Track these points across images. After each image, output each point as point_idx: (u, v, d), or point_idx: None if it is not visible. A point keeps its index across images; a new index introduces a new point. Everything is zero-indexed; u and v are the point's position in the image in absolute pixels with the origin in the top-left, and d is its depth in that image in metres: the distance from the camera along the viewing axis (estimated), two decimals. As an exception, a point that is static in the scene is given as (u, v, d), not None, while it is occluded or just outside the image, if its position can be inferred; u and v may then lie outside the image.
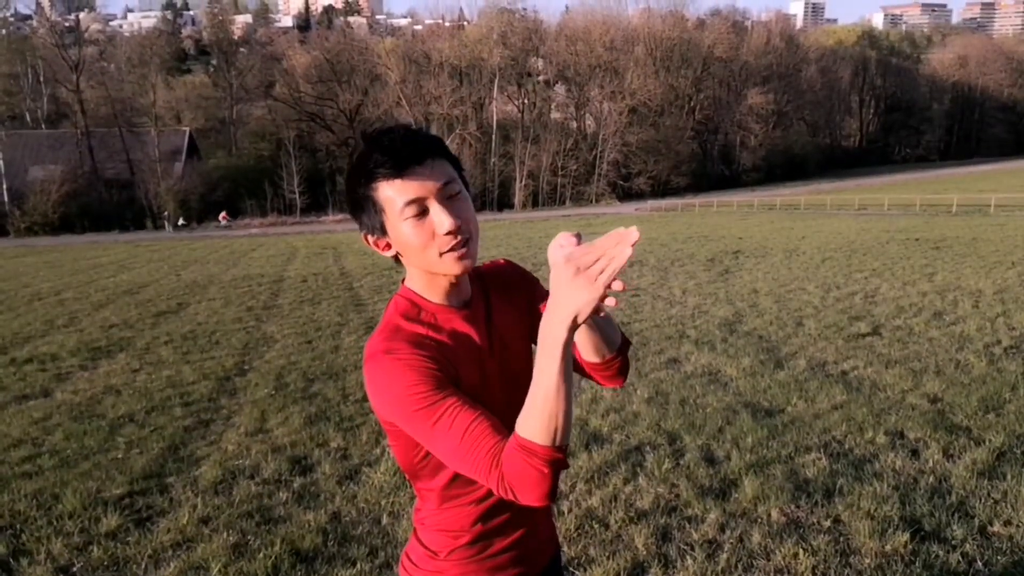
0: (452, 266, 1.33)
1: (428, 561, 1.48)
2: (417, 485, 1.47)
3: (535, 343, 1.56)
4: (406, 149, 1.29)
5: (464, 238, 1.32)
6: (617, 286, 1.08)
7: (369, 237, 1.39)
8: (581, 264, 1.09)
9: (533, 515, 1.53)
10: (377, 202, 1.32)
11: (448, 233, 1.30)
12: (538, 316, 1.54)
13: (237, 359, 8.14)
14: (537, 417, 1.15)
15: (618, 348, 1.46)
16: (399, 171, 1.29)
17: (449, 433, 1.24)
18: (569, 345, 1.13)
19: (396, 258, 1.39)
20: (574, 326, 1.12)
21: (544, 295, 1.56)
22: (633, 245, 1.06)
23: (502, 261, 1.61)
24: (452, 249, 1.32)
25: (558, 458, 1.16)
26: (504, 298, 1.53)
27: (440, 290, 1.41)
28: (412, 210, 1.30)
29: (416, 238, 1.31)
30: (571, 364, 1.16)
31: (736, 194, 60.21)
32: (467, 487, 1.42)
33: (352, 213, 1.39)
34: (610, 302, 1.09)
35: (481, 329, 1.44)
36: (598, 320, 1.39)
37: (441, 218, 1.30)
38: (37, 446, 5.39)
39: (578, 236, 1.16)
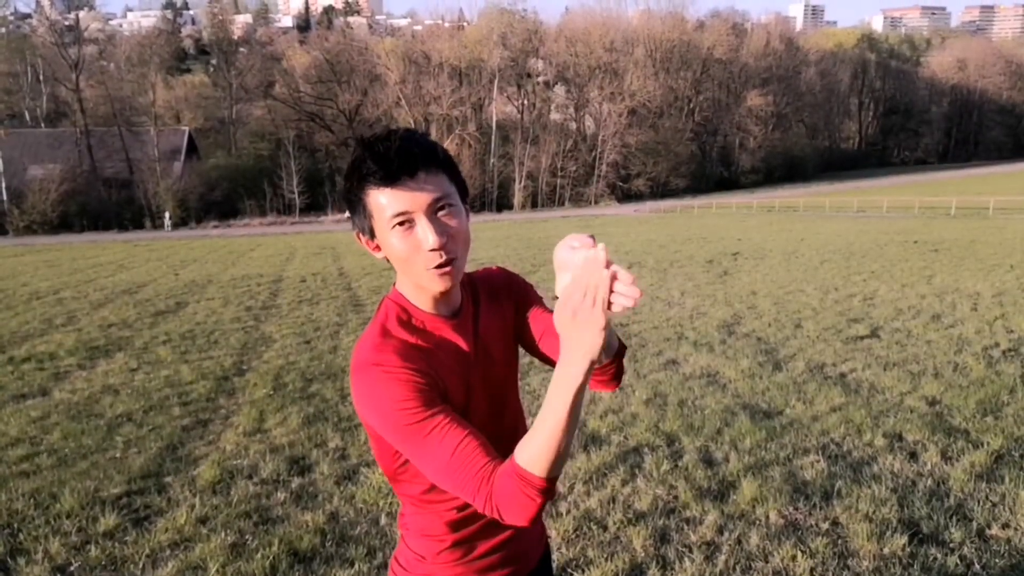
0: (434, 282, 1.33)
1: (417, 565, 1.48)
2: (397, 489, 1.47)
3: (523, 347, 1.56)
4: (399, 159, 1.27)
5: (449, 257, 1.31)
6: (634, 292, 1.08)
7: (361, 236, 1.39)
8: (574, 306, 1.10)
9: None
10: (367, 207, 1.32)
11: (432, 250, 1.29)
12: (526, 320, 1.54)
13: (235, 359, 8.13)
14: (540, 448, 1.16)
15: (615, 353, 1.45)
16: (390, 181, 1.27)
17: (438, 450, 1.23)
18: (584, 388, 1.15)
19: (388, 258, 1.39)
20: (590, 368, 1.13)
21: (537, 299, 1.57)
22: (607, 266, 1.07)
23: (495, 268, 1.60)
24: (436, 267, 1.31)
25: (550, 488, 1.18)
26: (492, 305, 1.52)
27: (429, 298, 1.40)
28: (399, 220, 1.29)
29: (402, 249, 1.31)
30: (582, 405, 1.16)
31: (735, 196, 60.32)
32: (446, 492, 1.41)
33: (348, 210, 1.39)
34: (627, 300, 1.08)
35: (468, 338, 1.44)
36: None
37: (427, 235, 1.29)
38: (35, 445, 5.38)
39: (592, 237, 1.16)
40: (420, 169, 1.28)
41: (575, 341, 1.11)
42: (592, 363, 1.12)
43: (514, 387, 1.54)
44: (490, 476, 1.20)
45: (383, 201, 1.29)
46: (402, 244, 1.30)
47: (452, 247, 1.31)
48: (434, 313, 1.41)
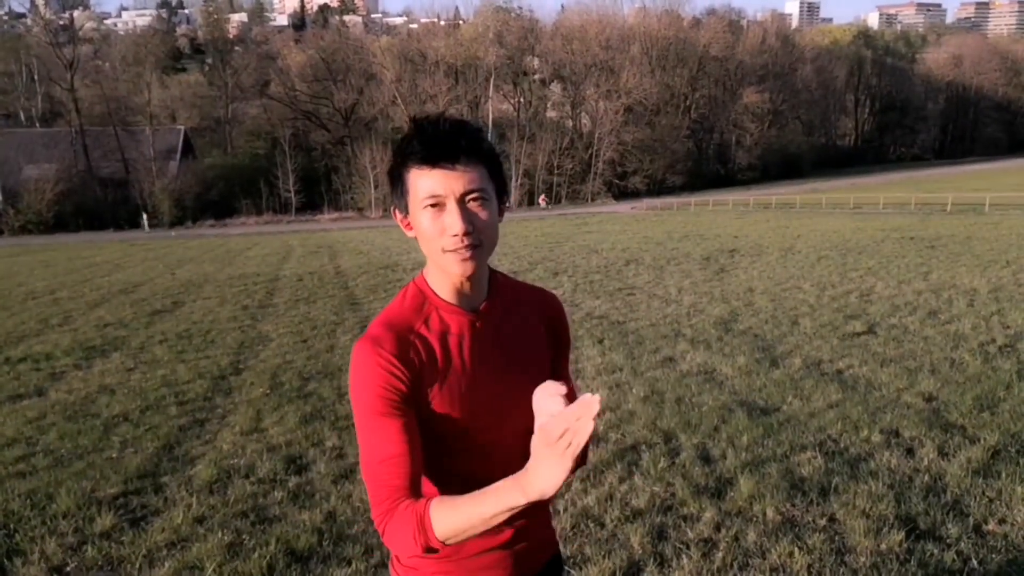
0: (452, 265, 1.36)
1: (407, 553, 1.49)
2: None
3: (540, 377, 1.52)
4: (443, 145, 1.32)
5: (471, 243, 1.34)
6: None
7: (397, 213, 1.44)
8: (551, 436, 1.12)
9: (522, 521, 1.50)
10: (405, 184, 1.37)
11: (455, 235, 1.33)
12: (548, 359, 1.55)
13: (232, 358, 8.12)
14: (456, 525, 1.24)
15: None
16: (430, 163, 1.32)
17: (374, 449, 1.33)
18: (517, 509, 1.20)
19: (417, 238, 1.43)
20: (538, 500, 1.17)
21: (566, 350, 1.62)
22: (596, 417, 1.09)
23: (552, 293, 1.63)
24: (457, 250, 1.34)
25: (435, 549, 1.27)
26: (528, 320, 1.53)
27: (451, 287, 1.42)
28: (431, 202, 1.34)
29: (429, 230, 1.35)
30: (510, 517, 1.23)
31: (731, 193, 60.27)
32: (436, 483, 1.45)
33: (389, 184, 1.44)
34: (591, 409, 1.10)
35: (480, 338, 1.44)
36: None
37: (452, 219, 1.33)
38: (31, 445, 5.37)
39: (566, 394, 1.26)
40: (461, 157, 1.33)
41: (537, 473, 1.14)
42: (540, 499, 1.16)
43: (523, 400, 1.45)
44: (398, 502, 1.30)
45: (420, 181, 1.34)
46: (430, 225, 1.34)
47: (476, 236, 1.35)
48: (452, 303, 1.43)
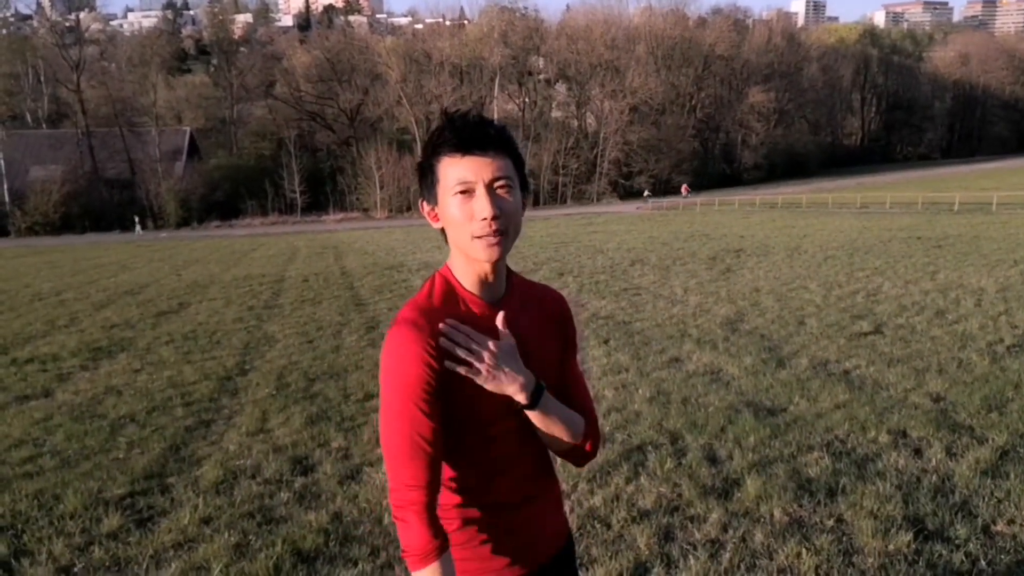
0: (481, 251, 1.41)
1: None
2: None
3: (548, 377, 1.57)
4: (473, 134, 1.40)
5: (499, 229, 1.39)
6: None
7: (425, 205, 1.49)
8: None
9: (531, 513, 1.56)
10: (436, 173, 1.43)
11: (484, 219, 1.38)
12: (557, 354, 1.60)
13: (238, 359, 8.13)
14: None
15: (578, 442, 1.56)
16: (461, 151, 1.39)
17: (405, 437, 1.39)
18: None
19: (443, 232, 1.47)
20: None
21: (575, 350, 1.66)
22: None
23: (561, 292, 1.69)
24: (485, 236, 1.39)
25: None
26: (540, 319, 1.58)
27: (475, 278, 1.48)
28: (461, 188, 1.39)
29: (458, 215, 1.40)
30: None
31: (737, 192, 60.16)
32: (450, 470, 1.50)
33: (418, 178, 1.50)
34: None
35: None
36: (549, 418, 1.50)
37: (482, 204, 1.38)
38: (38, 446, 5.38)
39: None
40: (490, 147, 1.40)
41: None
42: None
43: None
44: (418, 501, 1.38)
45: (451, 169, 1.41)
46: (459, 211, 1.40)
47: (503, 223, 1.40)
48: (476, 294, 1.49)
